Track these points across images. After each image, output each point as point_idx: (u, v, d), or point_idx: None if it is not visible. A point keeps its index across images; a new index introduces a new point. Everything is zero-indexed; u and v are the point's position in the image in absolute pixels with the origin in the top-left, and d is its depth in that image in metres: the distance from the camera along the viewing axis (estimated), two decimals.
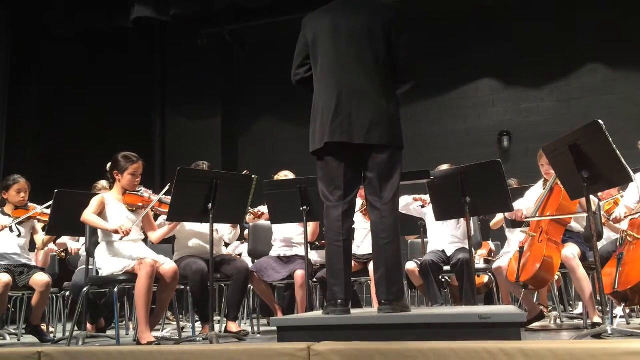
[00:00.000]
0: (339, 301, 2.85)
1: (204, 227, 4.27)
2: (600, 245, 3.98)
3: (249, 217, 4.87)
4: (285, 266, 4.61)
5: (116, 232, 3.71)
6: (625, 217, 3.66)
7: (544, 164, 4.10)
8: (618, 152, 2.91)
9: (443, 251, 4.64)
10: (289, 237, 4.80)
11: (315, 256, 5.01)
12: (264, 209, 4.81)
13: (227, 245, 4.95)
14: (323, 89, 2.99)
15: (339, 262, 2.90)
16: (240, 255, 5.87)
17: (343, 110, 2.89)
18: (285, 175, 4.95)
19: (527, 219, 4.06)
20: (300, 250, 4.66)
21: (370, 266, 4.45)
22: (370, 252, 4.38)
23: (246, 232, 5.53)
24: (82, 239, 5.11)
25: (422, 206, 4.74)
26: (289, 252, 4.75)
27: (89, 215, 3.83)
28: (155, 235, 4.15)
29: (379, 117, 2.88)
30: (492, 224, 4.88)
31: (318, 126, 2.96)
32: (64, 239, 5.32)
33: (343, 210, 2.93)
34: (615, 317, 3.86)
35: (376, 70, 2.93)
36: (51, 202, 4.40)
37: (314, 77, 3.06)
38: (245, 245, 5.63)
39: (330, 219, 2.96)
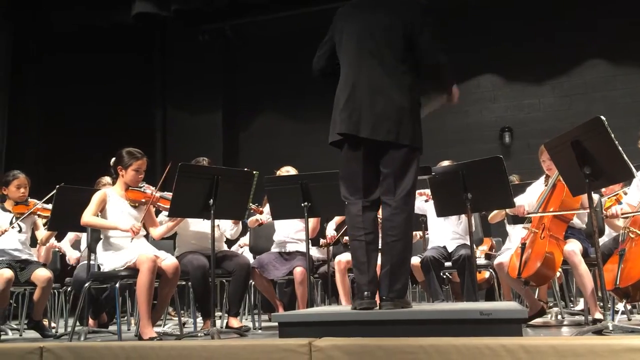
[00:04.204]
0: (365, 293, 2.85)
1: (205, 223, 4.27)
2: (601, 241, 3.98)
3: (251, 220, 4.85)
4: (286, 262, 4.60)
5: (128, 231, 3.73)
6: (623, 214, 3.63)
7: (545, 159, 4.09)
8: (620, 148, 2.91)
9: (444, 247, 4.64)
10: (290, 234, 4.79)
11: (316, 252, 5.00)
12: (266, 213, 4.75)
13: (229, 241, 4.93)
14: (342, 82, 3.03)
15: (362, 255, 2.89)
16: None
17: (354, 103, 2.92)
18: (287, 171, 4.93)
19: (530, 215, 4.05)
20: (301, 247, 4.65)
21: None
22: None
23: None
24: (83, 243, 5.12)
25: (426, 200, 4.73)
26: (290, 248, 4.74)
27: (90, 218, 3.84)
28: (157, 232, 4.15)
29: (389, 113, 2.87)
30: (490, 217, 4.86)
31: (333, 117, 3.01)
32: (63, 245, 5.31)
33: (363, 205, 2.94)
34: (617, 313, 3.87)
35: (394, 66, 2.93)
36: (50, 196, 4.39)
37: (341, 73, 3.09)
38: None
39: (350, 215, 2.98)
